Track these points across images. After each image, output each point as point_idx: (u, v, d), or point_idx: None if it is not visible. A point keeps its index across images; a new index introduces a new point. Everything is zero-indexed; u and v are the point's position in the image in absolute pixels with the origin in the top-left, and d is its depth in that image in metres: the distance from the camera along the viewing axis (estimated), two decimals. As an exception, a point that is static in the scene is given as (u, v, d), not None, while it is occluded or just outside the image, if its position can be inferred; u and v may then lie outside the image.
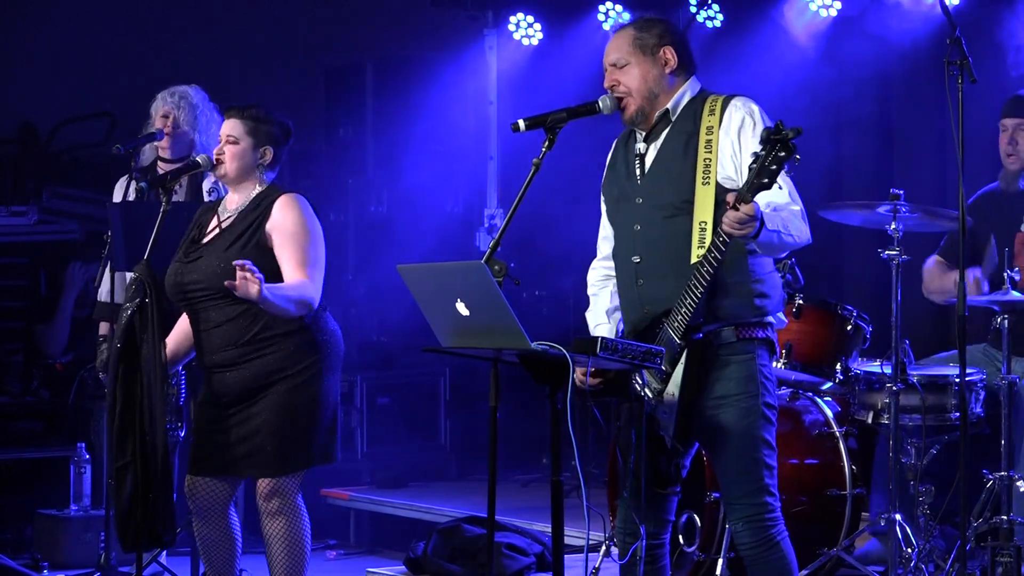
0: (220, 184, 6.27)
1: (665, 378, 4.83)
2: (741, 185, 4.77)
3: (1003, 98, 6.94)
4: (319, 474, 9.16)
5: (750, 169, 4.53)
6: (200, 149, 7.19)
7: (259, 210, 5.86)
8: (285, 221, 5.81)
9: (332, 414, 5.87)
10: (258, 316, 5.78)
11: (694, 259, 4.77)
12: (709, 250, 4.70)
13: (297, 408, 5.79)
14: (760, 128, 4.84)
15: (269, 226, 5.81)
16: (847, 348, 6.67)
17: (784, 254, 4.94)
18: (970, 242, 6.66)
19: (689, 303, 4.75)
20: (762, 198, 4.64)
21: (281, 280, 5.74)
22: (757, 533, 4.89)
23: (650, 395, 4.87)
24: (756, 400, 4.88)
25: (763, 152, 4.49)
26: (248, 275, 5.49)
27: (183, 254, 5.91)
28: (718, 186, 4.83)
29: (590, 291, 5.25)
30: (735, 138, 4.85)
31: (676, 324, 4.78)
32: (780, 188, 4.66)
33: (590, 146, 7.23)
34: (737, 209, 4.55)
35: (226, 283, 5.54)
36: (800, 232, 4.81)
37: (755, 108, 4.91)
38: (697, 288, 4.73)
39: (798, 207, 4.83)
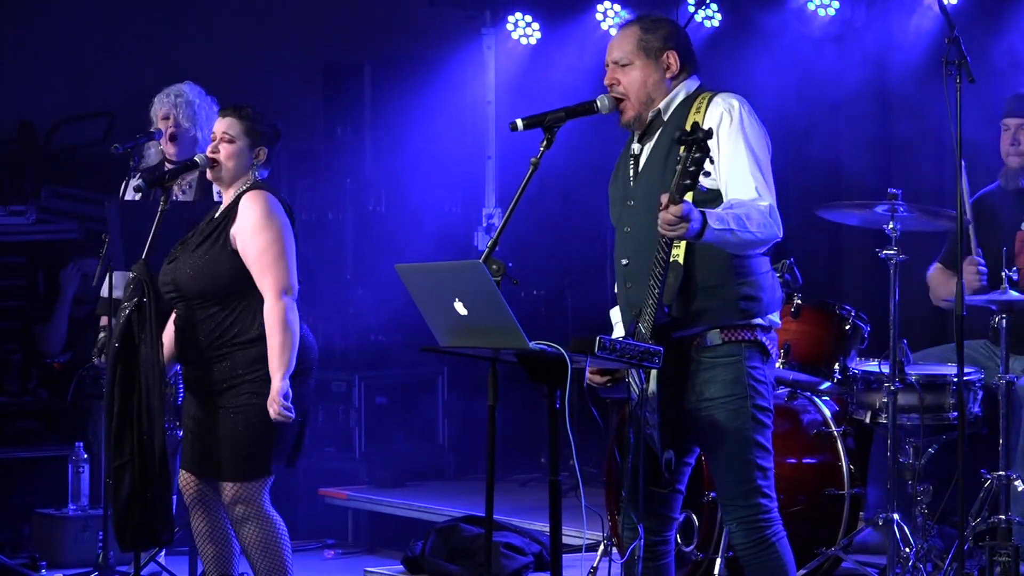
0: None
1: (648, 377, 4.83)
2: (723, 185, 4.81)
3: (1002, 98, 6.94)
4: (317, 474, 9.21)
5: (675, 171, 4.54)
6: (204, 145, 7.20)
7: (230, 208, 5.87)
8: (245, 222, 5.81)
9: (296, 422, 5.82)
10: (222, 322, 5.81)
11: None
12: (657, 250, 4.70)
13: (255, 415, 5.77)
14: (736, 123, 4.82)
15: (233, 229, 5.82)
16: (845, 348, 6.67)
17: (758, 251, 4.88)
18: (969, 242, 6.67)
19: (651, 303, 4.74)
20: (726, 195, 4.68)
21: (248, 277, 5.76)
22: (752, 534, 4.89)
23: (637, 394, 4.87)
24: (744, 402, 4.86)
25: (683, 153, 4.51)
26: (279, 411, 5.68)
27: (173, 255, 5.94)
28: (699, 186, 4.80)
29: (616, 289, 5.26)
30: (713, 136, 4.83)
31: (644, 327, 4.77)
32: (738, 182, 4.70)
33: (589, 145, 7.24)
34: (668, 210, 4.55)
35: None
36: (763, 228, 4.74)
37: (736, 103, 4.87)
38: (654, 289, 4.73)
39: (766, 203, 4.78)
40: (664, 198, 4.56)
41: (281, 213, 5.85)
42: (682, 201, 4.53)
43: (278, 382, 5.69)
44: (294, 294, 5.79)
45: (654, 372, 4.79)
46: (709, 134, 4.50)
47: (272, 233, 5.79)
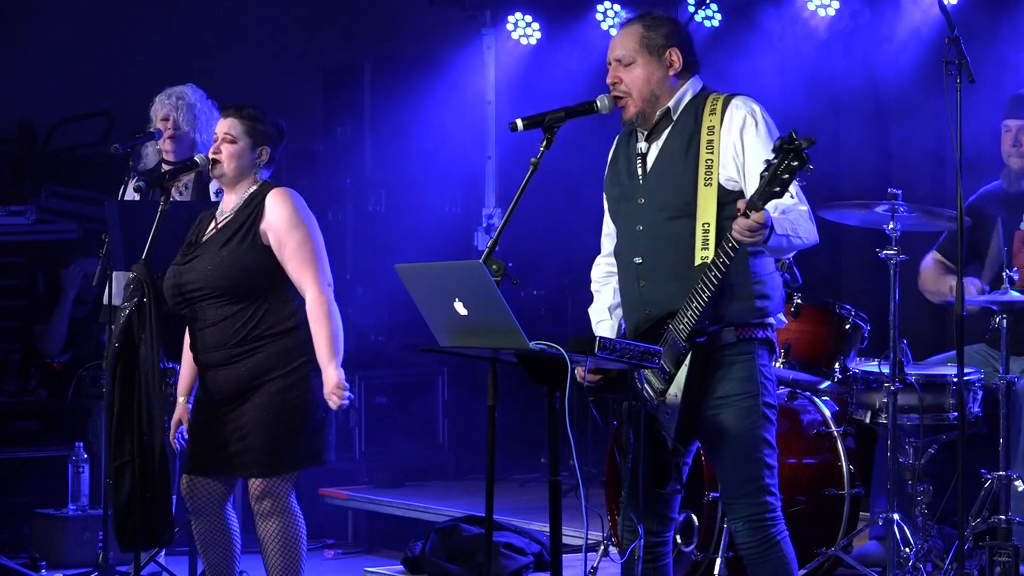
0: None
1: (668, 379, 4.83)
2: (748, 188, 4.77)
3: (1003, 98, 6.94)
4: (317, 474, 9.19)
5: (761, 177, 4.51)
6: (201, 148, 7.20)
7: (252, 207, 5.87)
8: (279, 218, 5.82)
9: (325, 415, 5.85)
10: (252, 316, 5.80)
11: (698, 261, 4.76)
12: (717, 255, 4.69)
13: (286, 408, 5.79)
14: (762, 127, 4.83)
15: (264, 225, 5.82)
16: (845, 347, 6.67)
17: (792, 254, 4.94)
18: (970, 242, 6.66)
19: (696, 306, 4.74)
20: (770, 202, 4.65)
21: (279, 271, 5.78)
22: (757, 532, 4.89)
23: (652, 395, 4.87)
24: (756, 400, 4.87)
25: (776, 160, 4.48)
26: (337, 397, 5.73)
27: (180, 256, 5.92)
28: (720, 187, 4.82)
29: (593, 288, 5.26)
30: (737, 139, 4.84)
31: (682, 327, 4.77)
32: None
33: (590, 144, 7.24)
34: (748, 216, 4.54)
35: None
36: (808, 233, 4.80)
37: (756, 107, 4.90)
38: (704, 292, 4.72)
39: (805, 207, 4.82)
40: (741, 204, 4.55)
41: (308, 210, 5.91)
42: (763, 208, 4.52)
43: (334, 371, 5.73)
44: (332, 286, 5.85)
45: (680, 374, 4.79)
46: (812, 142, 4.47)
47: (307, 228, 5.84)
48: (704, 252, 4.76)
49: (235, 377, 5.81)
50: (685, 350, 4.79)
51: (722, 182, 4.82)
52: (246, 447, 5.79)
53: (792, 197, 4.78)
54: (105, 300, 7.19)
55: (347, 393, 5.74)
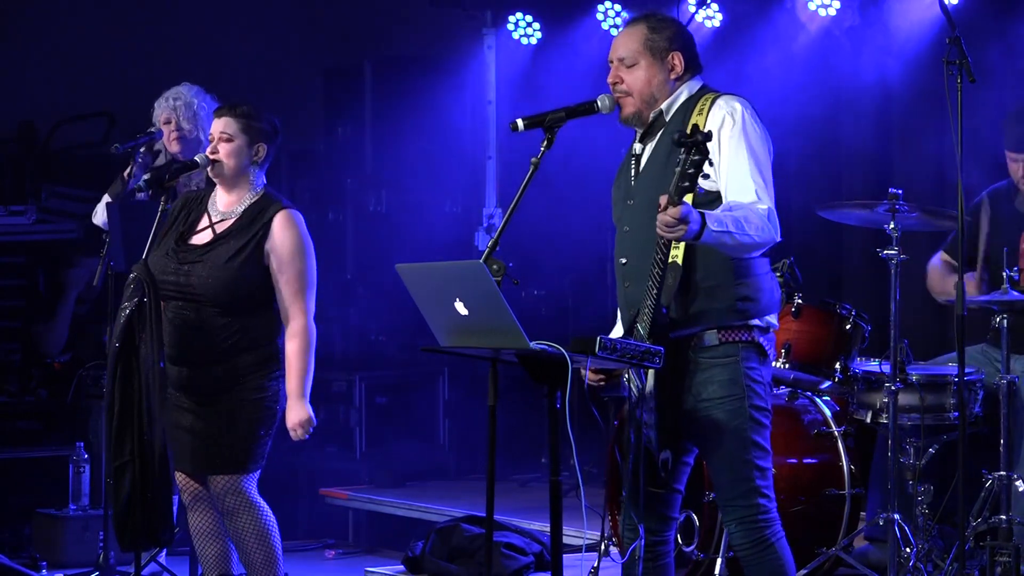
0: None
1: (646, 378, 4.83)
2: (723, 188, 4.82)
3: (1004, 98, 6.93)
4: (317, 474, 9.21)
5: (674, 173, 4.54)
6: (208, 146, 7.19)
7: (258, 225, 5.91)
8: (284, 244, 5.89)
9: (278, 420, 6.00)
10: (241, 327, 5.88)
11: (670, 261, 4.77)
12: (655, 251, 4.70)
13: (260, 409, 5.88)
14: (738, 128, 4.82)
15: (269, 246, 5.88)
16: (846, 347, 6.67)
17: (755, 253, 4.86)
18: (973, 241, 6.66)
19: (649, 304, 4.74)
20: (725, 198, 4.69)
21: (270, 289, 5.87)
22: (751, 534, 4.89)
23: (635, 394, 4.87)
24: (742, 403, 4.86)
25: (682, 156, 4.51)
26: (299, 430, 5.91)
27: (175, 251, 5.91)
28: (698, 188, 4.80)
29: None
30: (714, 138, 4.82)
31: (642, 327, 4.77)
32: (730, 184, 4.72)
33: (591, 145, 7.24)
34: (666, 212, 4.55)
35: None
36: (761, 231, 4.73)
37: (738, 106, 4.87)
38: (652, 289, 4.73)
39: (765, 206, 4.77)
40: (663, 199, 4.56)
41: (309, 236, 5.97)
42: (681, 203, 4.53)
43: (306, 406, 5.88)
44: (311, 322, 5.95)
45: (652, 372, 4.79)
46: (708, 136, 4.50)
47: (308, 258, 5.93)
48: (675, 251, 4.75)
49: (211, 376, 5.88)
50: None
51: (700, 182, 4.80)
52: (218, 445, 5.87)
53: (751, 195, 4.77)
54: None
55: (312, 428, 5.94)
